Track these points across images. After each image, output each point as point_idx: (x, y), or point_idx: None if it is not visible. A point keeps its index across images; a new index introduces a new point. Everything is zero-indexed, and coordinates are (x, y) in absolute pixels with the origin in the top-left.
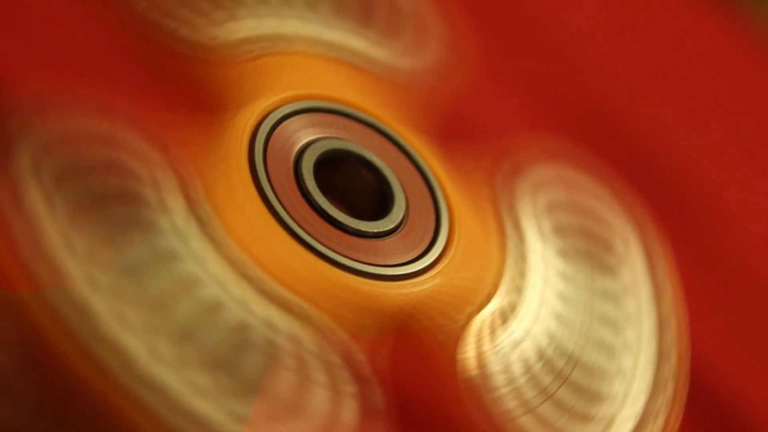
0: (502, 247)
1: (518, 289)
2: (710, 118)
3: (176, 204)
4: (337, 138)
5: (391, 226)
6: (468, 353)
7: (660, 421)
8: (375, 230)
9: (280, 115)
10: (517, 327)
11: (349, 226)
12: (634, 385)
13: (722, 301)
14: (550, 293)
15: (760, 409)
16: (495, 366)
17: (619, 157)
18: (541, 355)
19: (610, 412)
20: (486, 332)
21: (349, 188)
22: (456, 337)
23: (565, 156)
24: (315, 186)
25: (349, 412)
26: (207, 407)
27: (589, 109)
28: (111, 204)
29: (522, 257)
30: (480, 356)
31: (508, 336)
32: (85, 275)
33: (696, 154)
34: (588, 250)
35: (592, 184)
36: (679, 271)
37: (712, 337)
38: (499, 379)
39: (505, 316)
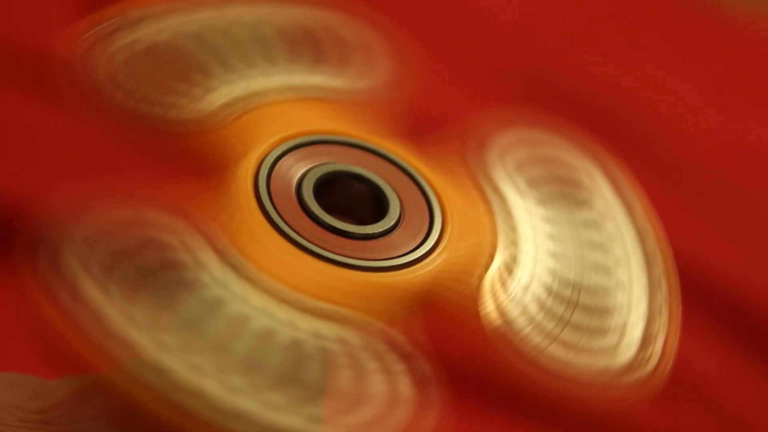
0: (490, 211)
1: (513, 242)
2: (633, 52)
3: (209, 259)
4: (325, 163)
5: (392, 223)
6: (488, 308)
7: (664, 315)
8: (380, 230)
9: (273, 159)
10: (522, 274)
11: (357, 233)
12: (634, 291)
13: (683, 197)
14: (541, 237)
15: (740, 278)
16: (514, 311)
17: (563, 106)
18: (549, 290)
19: (621, 320)
20: (498, 285)
21: (348, 202)
22: (474, 297)
23: (518, 119)
24: (319, 208)
25: (405, 386)
26: (287, 419)
27: (526, 74)
28: (156, 275)
29: (509, 215)
30: (499, 307)
31: (517, 283)
32: (152, 341)
33: (626, 84)
34: (561, 192)
35: (548, 136)
36: (641, 184)
37: (684, 230)
38: (521, 321)
39: (510, 267)
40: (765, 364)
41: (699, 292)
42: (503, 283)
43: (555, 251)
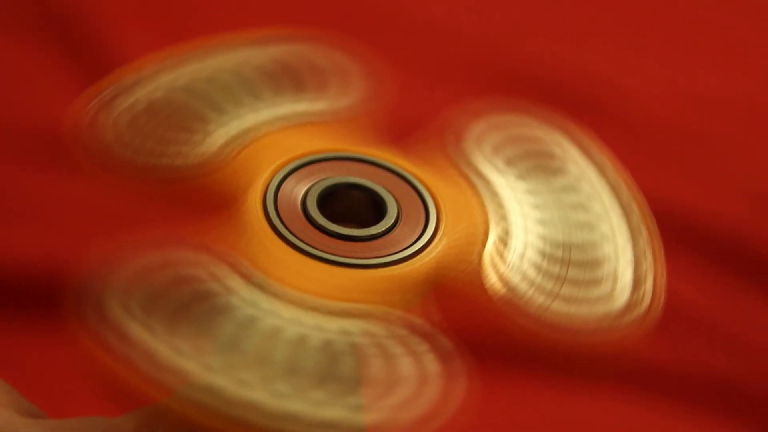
0: (477, 194)
1: (503, 217)
2: (581, 29)
3: (236, 283)
4: (323, 179)
5: (392, 221)
6: (491, 279)
7: (649, 257)
8: (382, 230)
9: (276, 184)
10: (516, 244)
11: (362, 236)
12: (618, 241)
13: (646, 149)
14: (527, 208)
15: (709, 210)
16: (515, 278)
17: (525, 88)
18: (543, 254)
19: (611, 269)
20: (496, 258)
21: (350, 210)
22: (477, 273)
23: (487, 108)
24: (325, 219)
25: (431, 363)
26: (333, 412)
27: (487, 65)
28: (191, 307)
29: (494, 194)
30: (501, 277)
31: (513, 253)
32: (199, 366)
33: (578, 59)
34: (537, 165)
35: (516, 118)
36: (606, 145)
37: (652, 178)
38: (523, 286)
39: (504, 240)
40: (747, 283)
41: (676, 230)
42: (501, 255)
43: (541, 218)
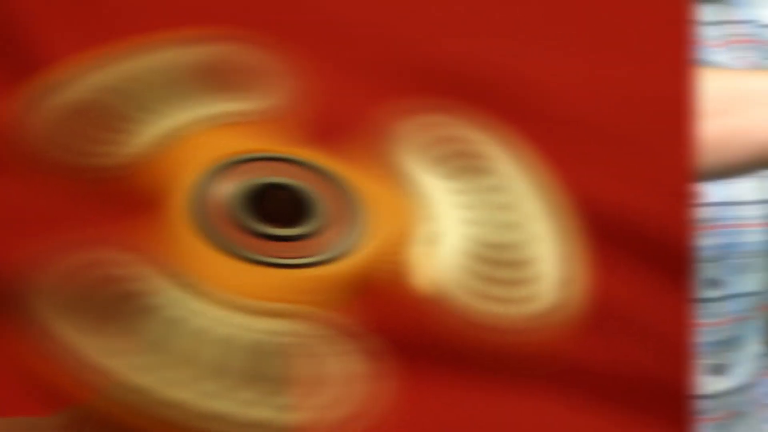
0: (405, 194)
1: (431, 217)
2: (504, 28)
3: (164, 284)
4: (251, 179)
5: (321, 222)
6: (420, 280)
7: (578, 257)
8: (310, 230)
9: (203, 183)
10: (444, 243)
11: (290, 236)
12: (546, 241)
13: (572, 148)
14: (455, 208)
15: (637, 209)
16: (443, 279)
17: (451, 88)
18: (471, 254)
19: (540, 268)
20: (425, 259)
21: (278, 210)
22: (406, 273)
23: (414, 108)
24: (251, 220)
25: (360, 363)
26: (260, 412)
27: (414, 65)
28: (119, 306)
29: (423, 194)
30: (428, 277)
31: (441, 253)
32: (126, 365)
33: (501, 58)
34: (465, 165)
35: (443, 118)
36: (532, 145)
37: (579, 177)
38: (452, 287)
39: (432, 240)
40: (677, 282)
41: (604, 230)
42: (429, 256)
43: (470, 218)
